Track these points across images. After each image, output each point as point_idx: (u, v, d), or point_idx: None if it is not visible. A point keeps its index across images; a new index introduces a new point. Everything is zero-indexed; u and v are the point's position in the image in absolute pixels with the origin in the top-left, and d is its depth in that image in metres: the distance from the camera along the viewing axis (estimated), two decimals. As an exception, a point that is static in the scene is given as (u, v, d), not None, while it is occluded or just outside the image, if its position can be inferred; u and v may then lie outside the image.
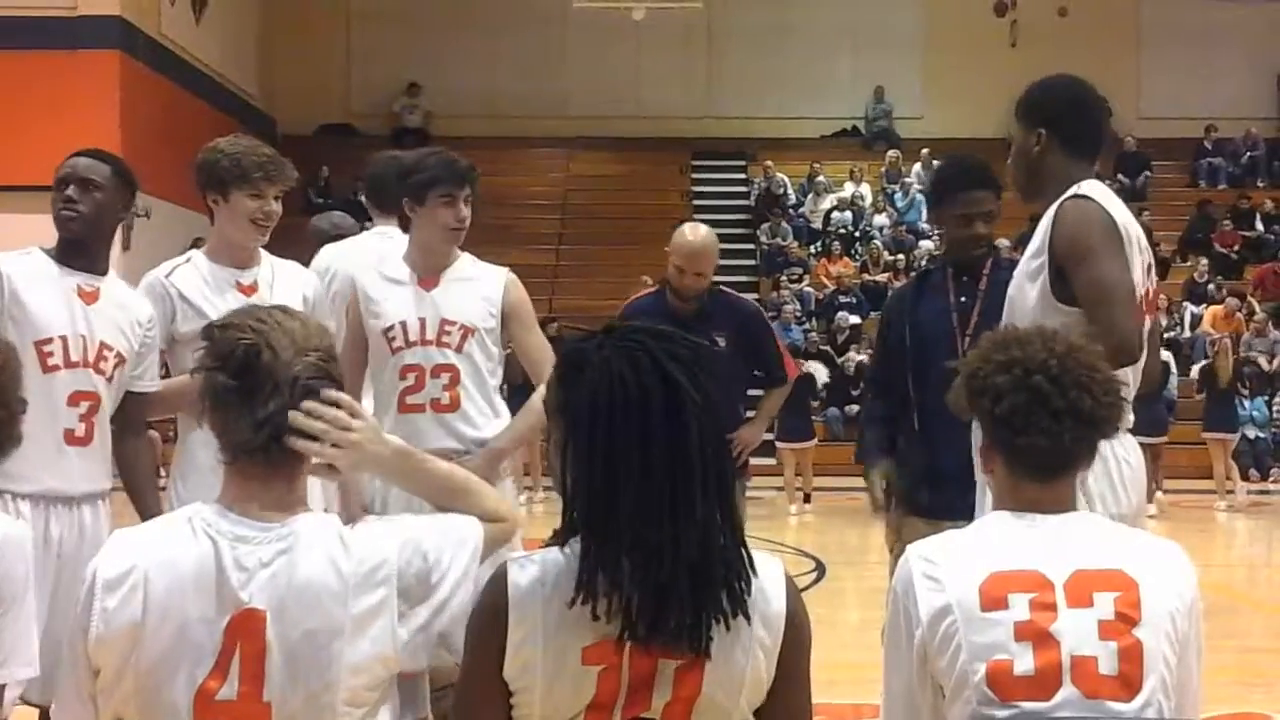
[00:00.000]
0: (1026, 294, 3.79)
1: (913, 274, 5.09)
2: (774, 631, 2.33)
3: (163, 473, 4.92)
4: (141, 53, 18.90)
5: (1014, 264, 4.75)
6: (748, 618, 2.27)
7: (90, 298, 4.41)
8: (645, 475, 2.23)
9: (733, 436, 5.44)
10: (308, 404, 2.49)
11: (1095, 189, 3.79)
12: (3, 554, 2.75)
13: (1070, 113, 3.95)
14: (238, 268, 4.74)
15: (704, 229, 6.07)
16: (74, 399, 4.34)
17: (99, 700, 2.44)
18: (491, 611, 2.29)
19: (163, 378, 4.72)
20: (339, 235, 6.26)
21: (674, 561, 2.21)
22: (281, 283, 4.78)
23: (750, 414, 6.20)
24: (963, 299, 4.90)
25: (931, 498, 4.71)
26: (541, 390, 4.56)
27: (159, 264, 4.81)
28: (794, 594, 2.38)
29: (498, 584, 2.30)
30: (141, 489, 4.53)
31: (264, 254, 4.83)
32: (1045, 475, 2.65)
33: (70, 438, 4.33)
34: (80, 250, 4.43)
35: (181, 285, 4.68)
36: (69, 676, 2.49)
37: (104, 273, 4.48)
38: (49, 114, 16.60)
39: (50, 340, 4.32)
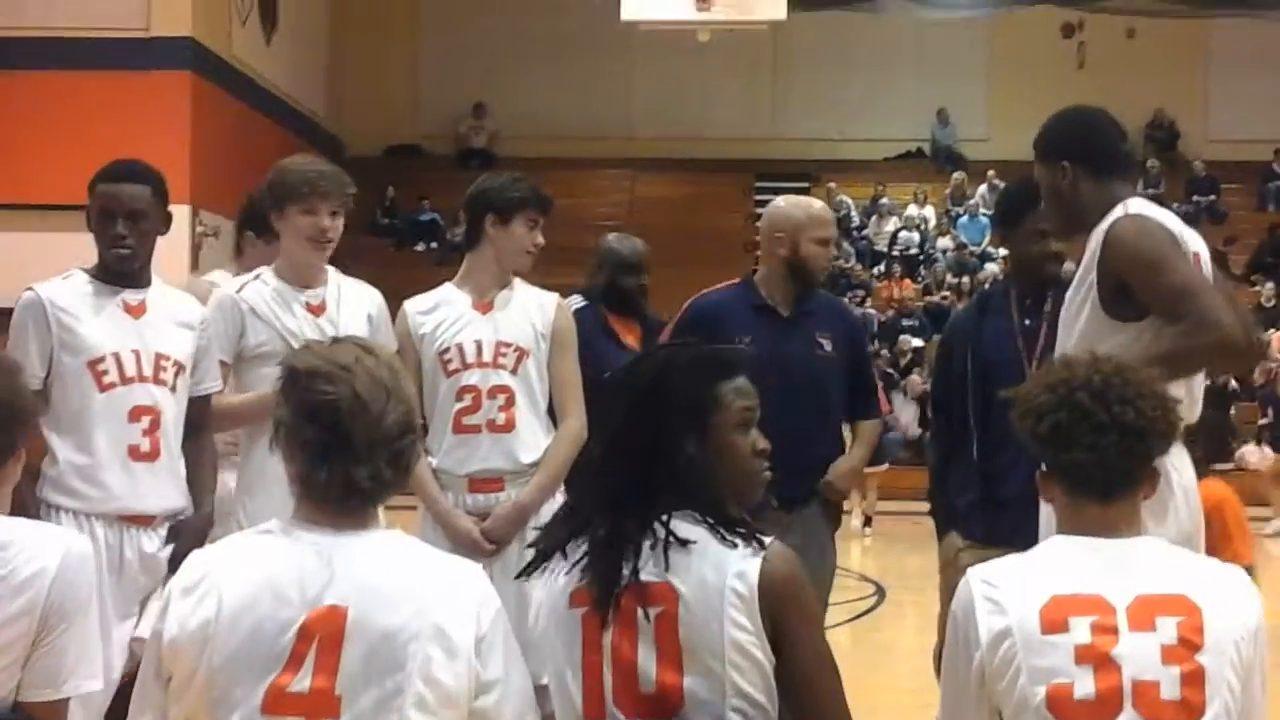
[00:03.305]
0: (1078, 317, 3.77)
1: (972, 297, 4.90)
2: (750, 586, 2.54)
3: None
4: (212, 73, 19.11)
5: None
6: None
7: (137, 311, 4.39)
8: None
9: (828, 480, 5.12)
10: None
11: (1145, 206, 3.76)
12: (67, 567, 2.78)
13: (1087, 138, 3.93)
14: (305, 286, 4.73)
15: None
16: (135, 414, 4.33)
17: (170, 707, 2.48)
18: None
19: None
20: None
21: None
22: (348, 302, 4.77)
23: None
24: (1027, 321, 4.78)
25: (988, 525, 4.64)
26: (569, 434, 4.73)
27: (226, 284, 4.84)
28: (776, 566, 2.57)
29: None
30: (199, 490, 4.49)
31: (331, 272, 4.82)
32: (1099, 495, 2.63)
33: (136, 453, 4.32)
34: (125, 271, 4.41)
35: (252, 300, 4.68)
36: (140, 687, 2.54)
37: (148, 284, 4.46)
38: (121, 134, 16.78)
39: (103, 359, 4.31)
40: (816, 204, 5.42)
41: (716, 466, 2.67)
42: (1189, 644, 2.49)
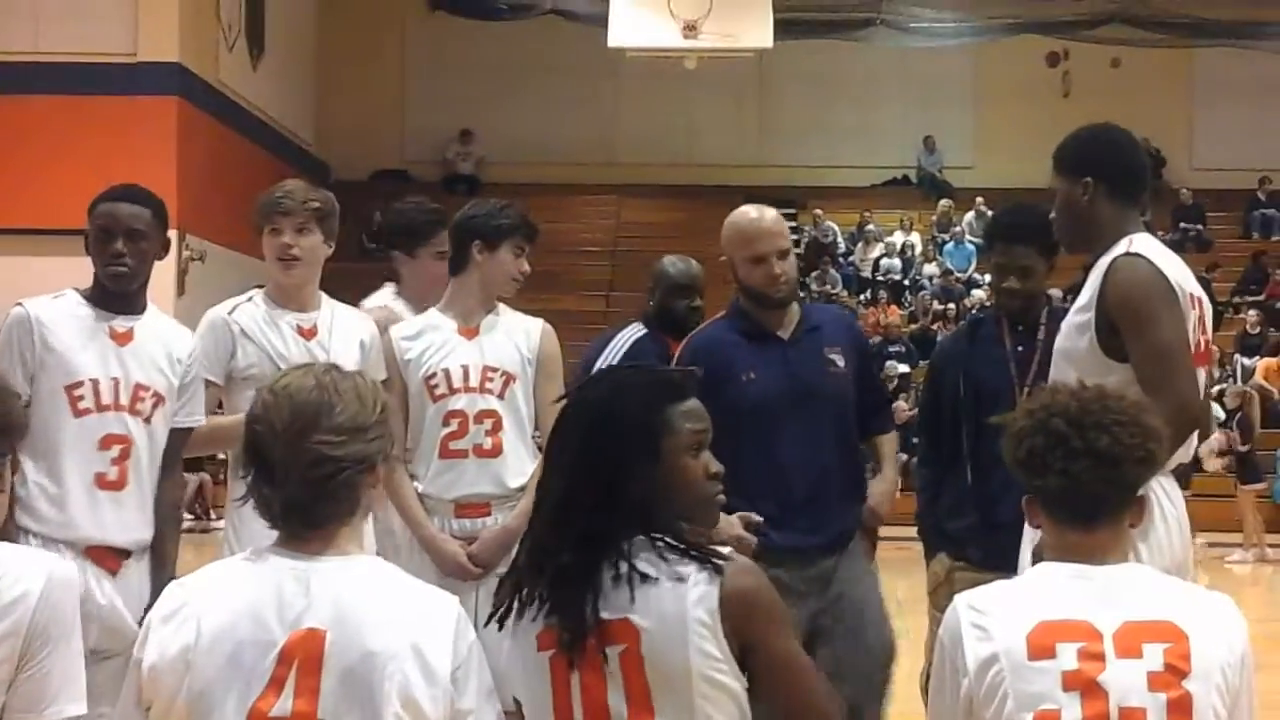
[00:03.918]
0: (1076, 346, 3.76)
1: (962, 323, 4.83)
2: (711, 610, 2.51)
3: (212, 514, 4.91)
4: (199, 98, 19.12)
5: (1067, 313, 4.72)
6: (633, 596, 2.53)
7: (124, 338, 4.34)
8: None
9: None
10: None
11: (1147, 245, 3.75)
12: (51, 591, 2.77)
13: (1117, 159, 3.93)
14: (296, 310, 4.75)
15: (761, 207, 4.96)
16: (106, 442, 4.26)
17: None
18: None
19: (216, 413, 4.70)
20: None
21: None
22: (340, 327, 4.77)
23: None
24: (1020, 348, 4.79)
25: (984, 550, 4.64)
26: None
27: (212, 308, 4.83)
28: (737, 580, 2.54)
29: None
30: (161, 526, 4.41)
31: (324, 298, 4.83)
32: (1079, 522, 2.63)
33: (102, 481, 4.25)
34: (120, 294, 4.38)
35: (243, 322, 4.68)
36: (120, 716, 2.54)
37: (141, 311, 4.41)
38: (108, 158, 16.78)
39: (80, 384, 4.25)
40: (750, 215, 4.83)
41: (670, 491, 2.64)
42: (1176, 671, 2.49)
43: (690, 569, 2.55)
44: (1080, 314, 3.76)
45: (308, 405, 2.51)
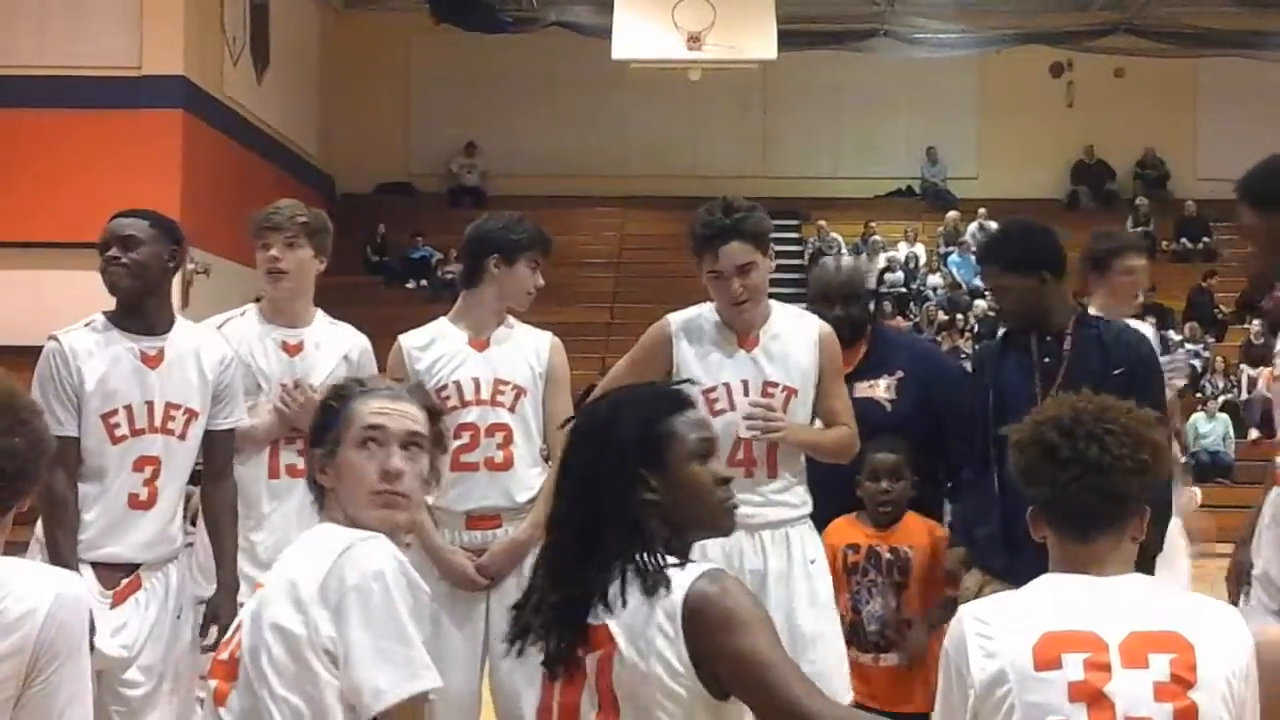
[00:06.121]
0: None
1: (999, 332, 4.82)
2: (673, 620, 2.53)
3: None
4: (204, 112, 19.12)
5: (1099, 319, 4.75)
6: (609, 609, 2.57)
7: (154, 361, 4.44)
8: None
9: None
10: None
11: None
12: (60, 607, 2.77)
13: None
14: (286, 325, 4.90)
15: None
16: (139, 464, 4.40)
17: None
18: None
19: None
20: None
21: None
22: (327, 344, 4.93)
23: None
24: (1046, 359, 4.71)
25: (1010, 560, 4.61)
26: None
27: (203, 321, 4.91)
28: (698, 589, 2.54)
29: None
30: (220, 539, 4.59)
31: (319, 316, 4.97)
32: (1074, 532, 2.64)
33: (134, 501, 4.40)
34: (138, 310, 4.46)
35: (230, 335, 4.81)
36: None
37: (167, 329, 4.50)
38: (113, 172, 16.81)
39: (115, 412, 4.38)
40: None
41: (681, 500, 2.66)
42: (1182, 681, 2.49)
43: (663, 580, 2.57)
44: None
45: None
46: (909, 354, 5.41)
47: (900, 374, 5.27)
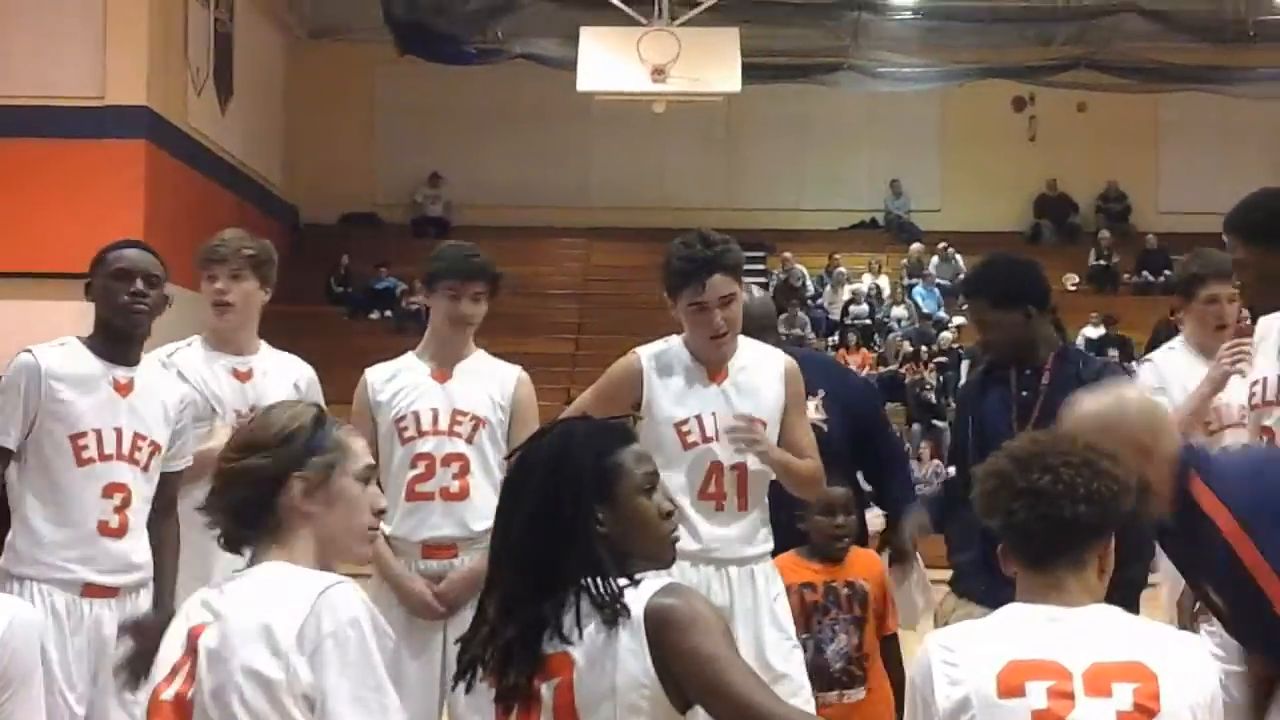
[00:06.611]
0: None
1: (980, 365, 4.86)
2: (637, 635, 2.53)
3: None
4: (167, 142, 19.07)
5: (1081, 356, 4.80)
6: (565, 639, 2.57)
7: (125, 389, 4.45)
8: None
9: None
10: None
11: None
12: (13, 635, 2.76)
13: None
14: (233, 354, 4.96)
15: None
16: (109, 491, 4.38)
17: None
18: None
19: None
20: None
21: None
22: (275, 372, 4.97)
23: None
24: (1024, 393, 4.76)
25: (990, 587, 4.62)
26: None
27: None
28: (656, 601, 2.55)
29: None
30: (162, 580, 4.52)
31: (264, 346, 5.04)
32: (1030, 561, 2.64)
33: (105, 529, 4.37)
34: (124, 341, 4.48)
35: (180, 365, 4.85)
36: None
37: (137, 361, 4.52)
38: (75, 202, 16.75)
39: (85, 434, 4.36)
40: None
41: (630, 532, 2.67)
42: (1145, 710, 2.49)
43: (622, 608, 2.57)
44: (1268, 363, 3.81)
45: None
46: (820, 373, 5.39)
47: (821, 393, 5.30)
